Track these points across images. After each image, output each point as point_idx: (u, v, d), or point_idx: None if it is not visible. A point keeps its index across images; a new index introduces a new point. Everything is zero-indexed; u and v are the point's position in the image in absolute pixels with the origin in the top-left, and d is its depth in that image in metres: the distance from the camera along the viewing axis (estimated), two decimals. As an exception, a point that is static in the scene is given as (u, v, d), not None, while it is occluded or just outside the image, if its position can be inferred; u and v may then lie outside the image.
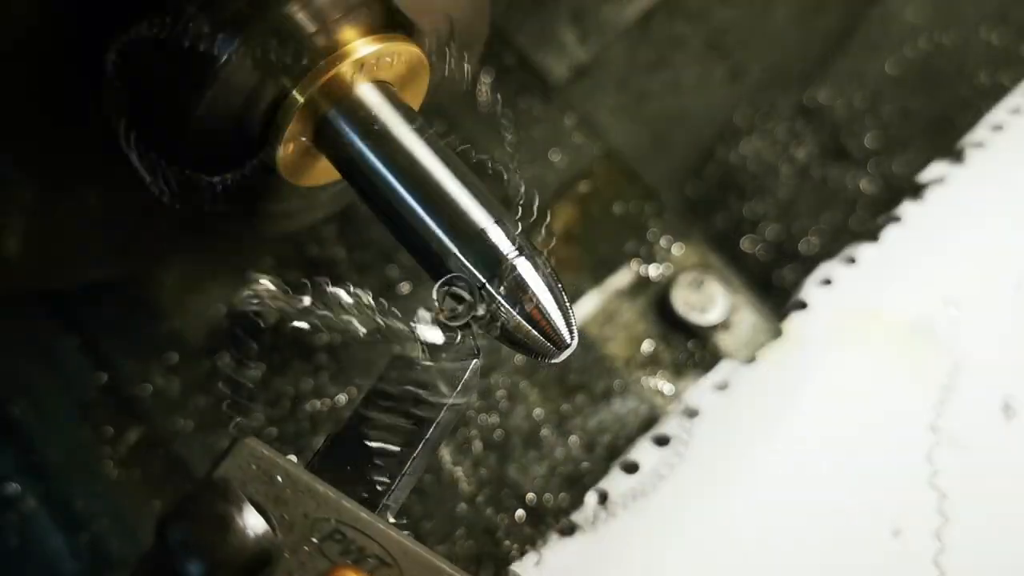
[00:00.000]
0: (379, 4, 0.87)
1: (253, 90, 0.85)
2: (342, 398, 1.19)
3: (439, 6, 0.93)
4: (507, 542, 1.12)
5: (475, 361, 0.81)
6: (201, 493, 0.68)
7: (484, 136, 1.29)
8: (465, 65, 1.01)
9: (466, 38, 0.99)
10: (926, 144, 1.34)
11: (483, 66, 1.33)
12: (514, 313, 0.80)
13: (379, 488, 0.77)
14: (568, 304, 0.81)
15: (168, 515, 0.66)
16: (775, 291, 1.26)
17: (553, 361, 0.82)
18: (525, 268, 0.81)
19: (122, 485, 1.15)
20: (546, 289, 0.80)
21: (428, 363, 0.81)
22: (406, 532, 0.72)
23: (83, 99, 0.85)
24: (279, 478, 0.71)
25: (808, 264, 1.27)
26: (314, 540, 0.70)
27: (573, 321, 0.81)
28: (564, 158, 1.31)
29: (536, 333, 0.80)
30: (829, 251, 1.28)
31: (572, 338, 0.81)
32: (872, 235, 1.22)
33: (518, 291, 0.80)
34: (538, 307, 0.80)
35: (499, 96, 1.17)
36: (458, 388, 0.81)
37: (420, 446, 0.79)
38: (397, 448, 0.78)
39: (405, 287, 1.23)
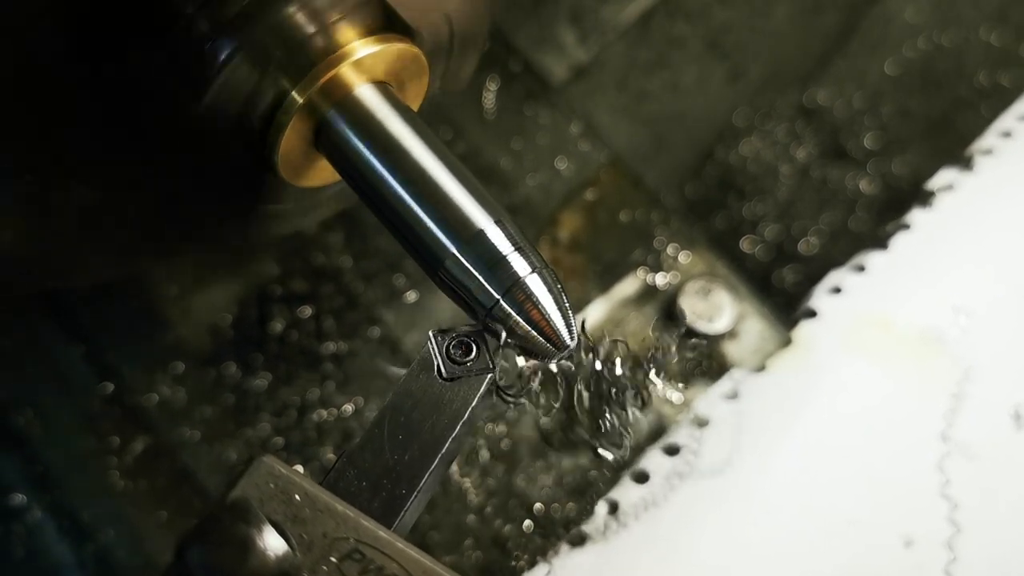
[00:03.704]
0: (378, 5, 0.87)
1: (253, 91, 0.85)
2: (348, 408, 1.18)
3: (436, 5, 0.93)
4: (516, 553, 1.12)
5: (490, 375, 0.81)
6: (220, 514, 0.67)
7: (490, 143, 1.29)
8: (464, 64, 1.02)
9: (465, 37, 0.99)
10: (926, 145, 1.34)
11: (486, 70, 1.34)
12: (513, 314, 0.79)
13: (395, 505, 0.77)
14: (568, 304, 0.81)
15: (187, 536, 0.66)
16: (775, 292, 1.26)
17: (554, 362, 0.82)
18: (524, 268, 0.80)
19: (128, 495, 1.14)
20: (545, 289, 0.80)
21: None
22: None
23: (81, 98, 0.84)
24: (297, 497, 0.71)
25: (808, 265, 1.27)
26: (333, 560, 0.69)
27: (573, 322, 0.80)
28: (570, 166, 1.31)
29: (535, 334, 0.79)
30: (828, 252, 1.28)
31: (572, 339, 0.80)
32: (881, 243, 1.22)
33: (517, 291, 0.80)
34: (537, 307, 0.79)
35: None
36: (473, 403, 0.80)
37: (436, 461, 0.78)
38: (412, 464, 0.78)
39: (411, 296, 1.23)
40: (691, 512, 1.08)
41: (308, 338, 1.21)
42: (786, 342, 1.17)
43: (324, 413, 1.18)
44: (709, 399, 1.15)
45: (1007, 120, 1.30)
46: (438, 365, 0.80)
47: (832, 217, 1.31)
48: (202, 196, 0.95)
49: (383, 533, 0.71)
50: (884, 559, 1.06)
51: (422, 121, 0.89)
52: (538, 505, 1.14)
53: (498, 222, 0.82)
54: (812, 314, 1.19)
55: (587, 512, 1.10)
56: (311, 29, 0.84)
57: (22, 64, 0.80)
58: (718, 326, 1.20)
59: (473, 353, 0.81)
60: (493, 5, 1.03)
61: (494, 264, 0.80)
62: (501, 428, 1.17)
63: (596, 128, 1.34)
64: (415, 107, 0.95)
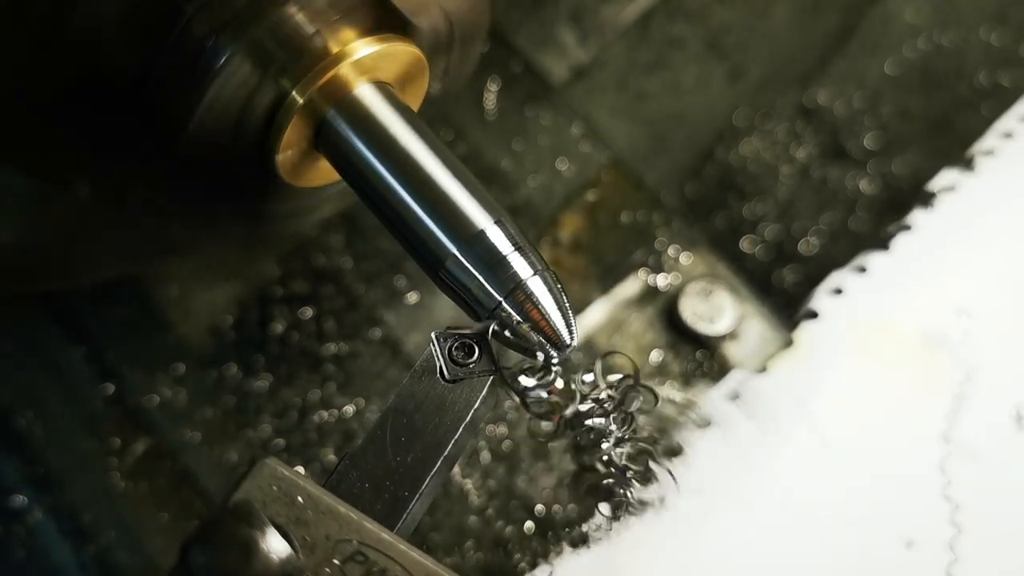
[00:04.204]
0: (376, 3, 0.87)
1: (253, 91, 0.85)
2: (349, 409, 1.18)
3: (436, 2, 0.92)
4: (517, 554, 1.12)
5: (492, 377, 0.81)
6: (223, 516, 0.67)
7: (491, 144, 1.29)
8: (465, 61, 1.01)
9: (465, 34, 0.98)
10: (925, 144, 1.34)
11: (487, 71, 1.33)
12: (513, 313, 0.79)
13: (397, 506, 0.77)
14: (568, 304, 0.80)
15: (191, 539, 0.66)
16: (774, 292, 1.26)
17: (554, 361, 0.81)
18: (524, 268, 0.80)
19: (129, 497, 1.14)
20: (545, 289, 0.80)
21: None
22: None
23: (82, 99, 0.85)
24: (300, 499, 0.71)
25: (808, 265, 1.27)
26: (336, 562, 0.69)
27: (572, 321, 0.80)
28: (571, 167, 1.31)
29: (535, 333, 0.79)
30: (829, 252, 1.28)
31: (572, 338, 0.80)
32: (883, 243, 1.22)
33: (517, 291, 0.79)
34: (537, 307, 0.79)
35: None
36: (476, 405, 0.80)
37: (438, 463, 0.78)
38: (415, 466, 0.78)
39: (412, 297, 1.23)
40: (693, 513, 1.08)
41: (309, 339, 1.21)
42: (787, 343, 1.17)
43: (325, 414, 1.18)
44: (711, 400, 1.15)
45: (1008, 121, 1.30)
46: (440, 367, 0.80)
47: (832, 217, 1.31)
48: (201, 196, 0.95)
49: (386, 535, 0.71)
50: (886, 560, 1.06)
51: (422, 121, 0.89)
52: (539, 506, 1.14)
53: (498, 222, 0.82)
54: (813, 315, 1.19)
55: (588, 513, 1.10)
56: (311, 29, 0.84)
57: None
58: (719, 327, 1.20)
59: (475, 355, 0.81)
60: (492, 2, 1.03)
61: (495, 264, 0.81)
62: (502, 430, 1.17)
63: (596, 128, 1.34)
64: (415, 107, 0.95)
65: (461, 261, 0.81)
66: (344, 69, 0.86)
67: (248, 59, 0.83)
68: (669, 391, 1.19)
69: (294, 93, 0.86)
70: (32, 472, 1.15)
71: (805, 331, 1.17)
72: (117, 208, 0.96)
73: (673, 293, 1.23)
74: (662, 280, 1.25)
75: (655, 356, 1.21)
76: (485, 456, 1.16)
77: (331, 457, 1.15)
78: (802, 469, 1.10)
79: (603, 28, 1.40)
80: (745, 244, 1.30)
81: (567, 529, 1.11)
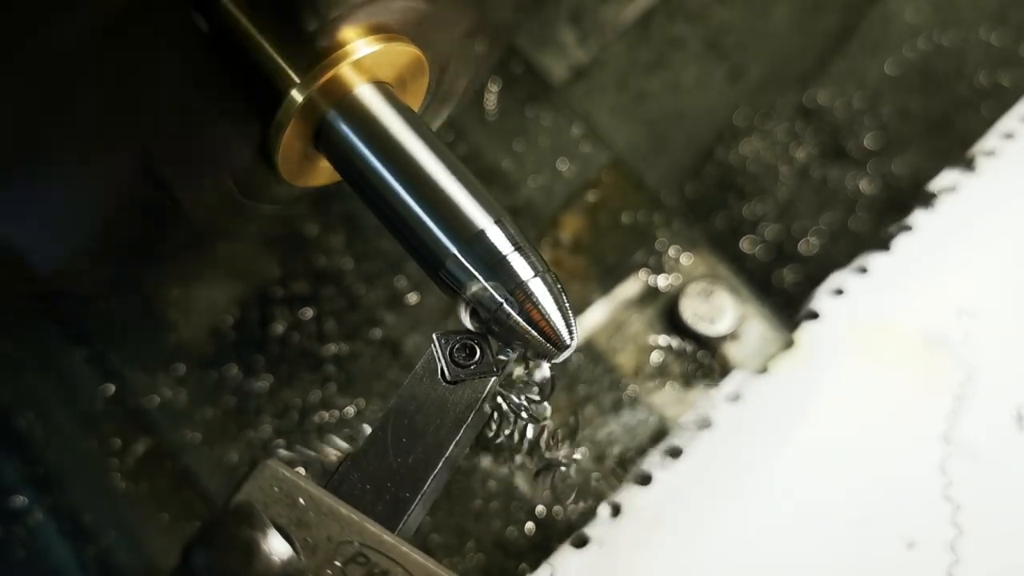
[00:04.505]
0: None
1: (252, 91, 0.85)
2: (350, 410, 1.18)
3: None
4: (518, 555, 1.12)
5: (493, 378, 0.81)
6: (225, 518, 0.67)
7: (491, 144, 1.29)
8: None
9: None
10: (926, 145, 1.34)
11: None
12: (513, 313, 0.79)
13: (399, 508, 0.77)
14: (568, 304, 0.80)
15: (193, 540, 0.66)
16: (774, 292, 1.26)
17: (554, 361, 0.81)
18: (524, 269, 0.80)
19: (129, 497, 1.14)
20: (545, 289, 0.80)
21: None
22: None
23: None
24: (301, 500, 0.71)
25: (808, 265, 1.28)
26: (337, 563, 0.69)
27: (572, 321, 0.80)
28: (572, 167, 1.31)
29: (535, 333, 0.79)
30: (829, 252, 1.28)
31: (572, 338, 0.80)
32: (884, 244, 1.22)
33: (517, 291, 0.79)
34: (537, 307, 0.79)
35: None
36: (477, 405, 0.80)
37: (439, 464, 0.78)
38: (416, 467, 0.78)
39: (413, 297, 1.23)
40: (693, 514, 1.08)
41: (309, 340, 1.21)
42: (788, 344, 1.17)
43: (326, 415, 1.18)
44: (711, 401, 1.15)
45: (1009, 121, 1.30)
46: (442, 368, 0.80)
47: (832, 217, 1.31)
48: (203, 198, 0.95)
49: (387, 536, 0.71)
50: (886, 560, 1.05)
51: (422, 121, 0.88)
52: (539, 507, 1.14)
53: (498, 222, 0.82)
54: (814, 315, 1.18)
55: (590, 514, 1.10)
56: (311, 28, 0.84)
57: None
58: (719, 328, 1.21)
59: (476, 356, 0.81)
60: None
61: (495, 265, 0.80)
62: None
63: (596, 128, 1.34)
64: (415, 107, 0.95)
65: (461, 261, 0.81)
66: (344, 69, 0.86)
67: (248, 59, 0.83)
68: (668, 393, 1.19)
69: (294, 93, 0.85)
70: (32, 472, 1.15)
71: (805, 331, 1.17)
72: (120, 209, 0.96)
73: (674, 294, 1.23)
74: (663, 281, 1.25)
75: (655, 357, 1.21)
76: (485, 457, 1.16)
77: (332, 458, 1.15)
78: (802, 469, 1.09)
79: (603, 28, 1.40)
80: (745, 244, 1.30)
81: (568, 530, 1.11)
